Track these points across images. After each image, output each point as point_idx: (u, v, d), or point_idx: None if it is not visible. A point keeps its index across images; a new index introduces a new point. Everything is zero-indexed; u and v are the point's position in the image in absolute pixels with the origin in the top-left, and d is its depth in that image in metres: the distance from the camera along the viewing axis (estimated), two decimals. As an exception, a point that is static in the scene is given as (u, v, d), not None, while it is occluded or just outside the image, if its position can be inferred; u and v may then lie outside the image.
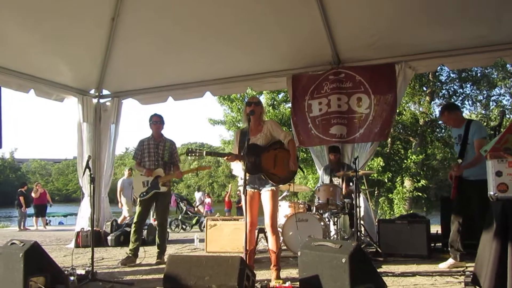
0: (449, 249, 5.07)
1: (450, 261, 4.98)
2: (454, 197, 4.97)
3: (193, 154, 4.16)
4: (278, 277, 4.27)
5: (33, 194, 15.30)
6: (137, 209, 5.87)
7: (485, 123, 19.46)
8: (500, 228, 3.07)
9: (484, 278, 3.31)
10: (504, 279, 3.05)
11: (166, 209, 5.96)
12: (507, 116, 18.46)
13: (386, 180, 17.06)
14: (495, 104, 19.85)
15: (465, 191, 4.86)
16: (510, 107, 19.30)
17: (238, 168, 4.62)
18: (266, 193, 4.31)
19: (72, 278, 4.20)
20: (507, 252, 3.04)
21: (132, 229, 5.84)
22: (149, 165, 5.80)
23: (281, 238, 5.91)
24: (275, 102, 18.46)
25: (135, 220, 5.91)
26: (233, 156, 4.30)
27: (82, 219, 7.68)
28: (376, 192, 18.05)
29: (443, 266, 4.97)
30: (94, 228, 7.51)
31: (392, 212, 16.82)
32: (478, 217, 4.68)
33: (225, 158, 4.29)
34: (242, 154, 4.18)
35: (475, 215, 4.75)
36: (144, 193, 5.70)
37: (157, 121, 5.91)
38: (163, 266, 3.91)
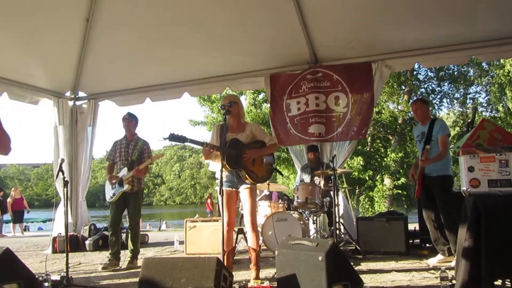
0: (436, 248, 5.11)
1: (439, 256, 5.02)
2: (418, 196, 5.09)
3: (176, 140, 3.92)
4: (257, 276, 4.25)
5: (9, 200, 14.96)
6: (110, 212, 5.76)
7: (462, 120, 19.84)
8: (473, 222, 3.10)
9: (459, 271, 3.35)
10: (477, 271, 3.09)
11: (136, 211, 5.76)
12: (482, 113, 18.82)
13: (367, 178, 17.20)
14: (471, 101, 20.27)
15: (428, 187, 4.98)
16: (486, 104, 19.71)
17: (215, 164, 4.53)
18: (244, 191, 4.26)
19: (46, 284, 4.09)
20: (480, 245, 3.08)
21: (109, 234, 5.75)
22: (119, 165, 5.75)
23: (261, 238, 5.91)
24: (256, 102, 18.46)
25: (109, 224, 5.81)
26: (211, 146, 4.10)
27: (59, 224, 7.53)
28: (357, 190, 18.21)
29: (432, 261, 5.01)
30: (72, 233, 7.51)
31: (373, 210, 16.97)
32: (442, 212, 4.81)
33: (204, 147, 4.08)
34: (224, 147, 4.06)
35: (440, 211, 4.89)
36: (112, 195, 5.64)
37: (125, 118, 5.83)
38: (137, 270, 3.83)
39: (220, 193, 3.94)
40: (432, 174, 4.91)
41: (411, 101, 18.80)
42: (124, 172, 5.62)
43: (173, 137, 3.93)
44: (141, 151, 5.72)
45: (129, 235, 5.78)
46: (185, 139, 3.95)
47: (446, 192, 4.85)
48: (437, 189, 4.88)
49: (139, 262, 5.62)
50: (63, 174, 4.39)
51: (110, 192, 5.70)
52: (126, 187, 5.54)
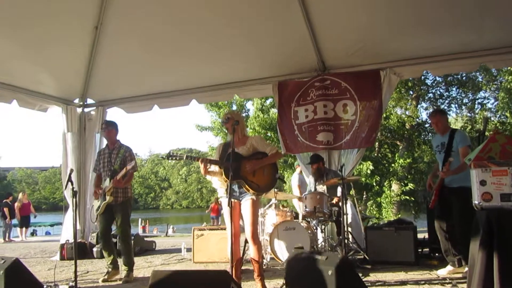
0: (446, 258, 5.05)
1: (449, 267, 4.96)
2: (433, 206, 5.02)
3: (174, 158, 4.25)
4: (263, 287, 4.23)
5: (17, 204, 15.00)
6: (99, 225, 5.62)
7: (470, 126, 19.69)
8: (486, 236, 3.07)
9: (472, 286, 3.31)
10: (491, 286, 3.05)
11: (124, 222, 5.48)
12: (490, 118, 18.66)
13: (374, 184, 17.09)
14: (480, 106, 20.11)
15: (446, 198, 4.92)
16: (494, 110, 19.54)
17: (217, 180, 4.59)
18: (246, 203, 4.26)
19: (55, 294, 4.11)
20: (493, 260, 3.04)
21: (101, 247, 5.62)
22: (104, 176, 5.56)
23: (269, 247, 5.89)
24: (263, 107, 18.43)
25: (99, 237, 5.72)
26: (207, 161, 4.24)
27: (67, 230, 7.56)
28: (364, 196, 18.09)
29: (442, 272, 4.95)
30: (80, 240, 7.51)
31: (380, 216, 16.86)
32: (459, 223, 4.73)
33: (199, 162, 4.20)
34: (223, 161, 4.17)
35: (456, 222, 4.82)
36: (97, 208, 5.49)
37: (104, 128, 5.68)
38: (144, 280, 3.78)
39: (228, 205, 3.93)
40: (452, 185, 4.85)
41: (419, 106, 18.73)
42: (107, 183, 5.44)
43: (171, 156, 4.25)
44: (123, 158, 5.49)
45: (121, 247, 5.55)
46: (181, 157, 4.28)
47: (465, 203, 4.78)
48: (455, 200, 4.80)
49: (148, 272, 5.62)
50: (72, 184, 4.40)
51: (96, 205, 5.55)
52: (107, 199, 5.33)
